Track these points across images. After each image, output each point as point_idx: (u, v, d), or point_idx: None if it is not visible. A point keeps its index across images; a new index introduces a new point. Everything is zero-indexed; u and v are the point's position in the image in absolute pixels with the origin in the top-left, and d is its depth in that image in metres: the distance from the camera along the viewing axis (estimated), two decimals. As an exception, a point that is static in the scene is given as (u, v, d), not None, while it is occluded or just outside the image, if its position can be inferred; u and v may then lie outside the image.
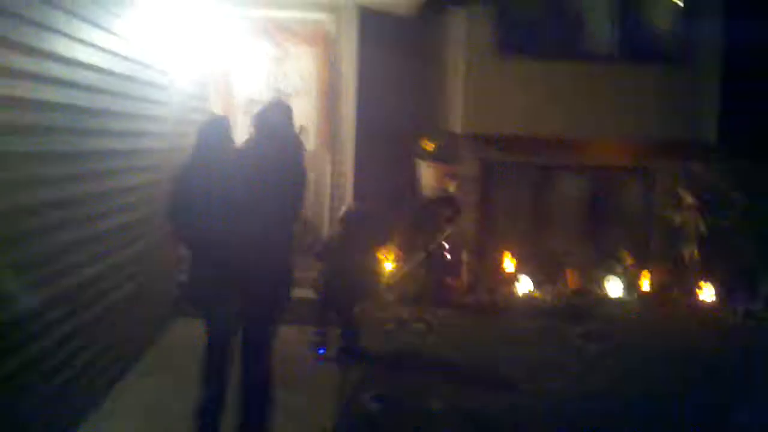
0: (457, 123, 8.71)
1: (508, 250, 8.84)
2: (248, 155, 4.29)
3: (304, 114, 8.11)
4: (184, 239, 4.41)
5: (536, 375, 5.89)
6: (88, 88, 4.51)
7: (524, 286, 8.60)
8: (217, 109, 7.82)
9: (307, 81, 8.10)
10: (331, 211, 8.09)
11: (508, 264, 8.78)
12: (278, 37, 8.06)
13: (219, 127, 4.41)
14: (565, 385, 5.72)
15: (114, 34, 4.85)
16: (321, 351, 6.04)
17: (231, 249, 4.01)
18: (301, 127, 8.07)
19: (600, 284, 8.69)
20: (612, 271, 8.78)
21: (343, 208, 6.70)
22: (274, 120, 4.36)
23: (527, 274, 8.62)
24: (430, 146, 8.10)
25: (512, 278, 8.60)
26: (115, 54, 4.92)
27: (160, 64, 6.06)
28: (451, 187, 8.21)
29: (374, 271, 6.44)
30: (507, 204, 9.26)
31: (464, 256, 8.39)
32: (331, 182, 8.14)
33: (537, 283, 8.60)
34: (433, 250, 7.89)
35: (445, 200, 8.06)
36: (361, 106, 8.15)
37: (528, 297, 8.46)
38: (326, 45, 8.04)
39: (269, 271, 4.17)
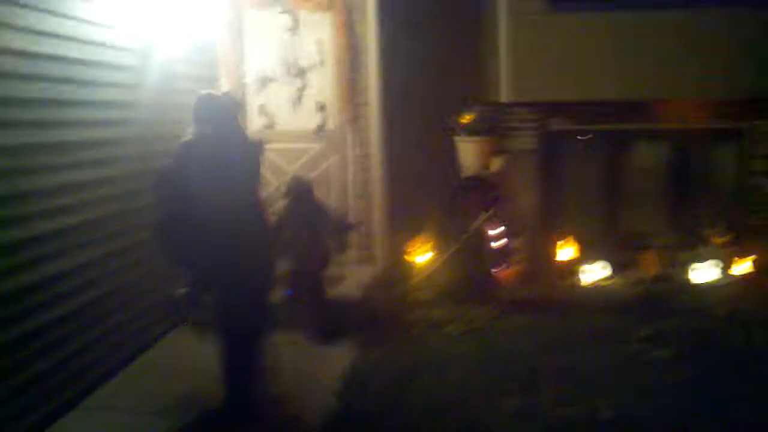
0: (503, 90, 7.49)
1: (573, 233, 7.60)
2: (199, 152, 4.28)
3: (323, 89, 7.16)
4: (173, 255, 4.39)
5: (580, 395, 4.68)
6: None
7: (592, 274, 7.33)
8: (226, 88, 6.99)
9: (324, 52, 7.12)
10: (360, 197, 7.12)
11: (573, 249, 7.52)
12: (290, 3, 7.11)
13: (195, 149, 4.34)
14: (612, 411, 4.49)
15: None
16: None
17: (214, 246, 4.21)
18: (320, 105, 7.14)
19: (685, 268, 7.31)
20: (699, 252, 7.38)
21: (284, 186, 6.11)
22: (214, 114, 4.35)
23: (597, 260, 7.36)
24: (467, 119, 6.93)
25: (578, 266, 7.36)
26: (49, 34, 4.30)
27: (121, 42, 5.26)
28: (496, 165, 7.04)
29: (327, 240, 5.94)
30: (571, 180, 7.98)
31: (517, 243, 7.23)
32: (355, 167, 7.14)
33: (608, 271, 7.33)
34: (468, 239, 6.72)
35: (481, 181, 6.90)
36: (386, 79, 7.10)
37: (597, 288, 7.20)
38: (344, 10, 6.97)
39: (247, 259, 4.32)
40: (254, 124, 7.22)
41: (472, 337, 5.85)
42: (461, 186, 6.94)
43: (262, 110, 7.17)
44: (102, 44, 4.98)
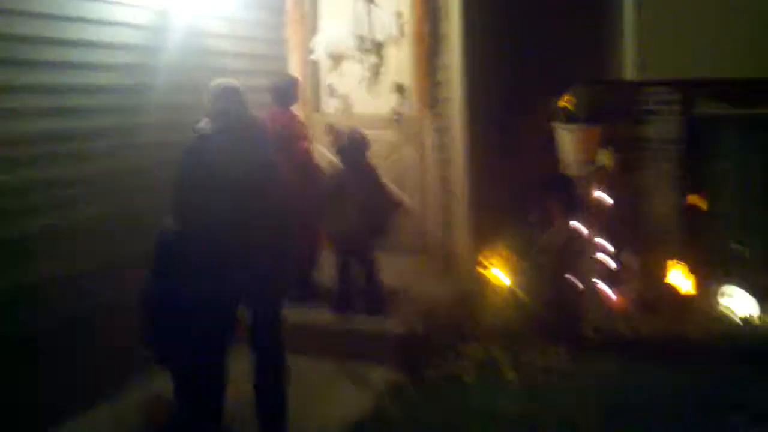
0: (626, 65, 6.00)
1: (708, 248, 6.02)
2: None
3: (401, 68, 6.12)
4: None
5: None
6: None
7: (738, 304, 5.71)
8: (292, 67, 6.20)
9: (402, 24, 6.05)
10: (438, 194, 6.01)
11: (705, 271, 5.92)
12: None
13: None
14: None
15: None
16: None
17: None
18: (397, 86, 6.11)
19: None
20: None
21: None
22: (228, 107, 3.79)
23: (737, 286, 5.74)
24: (568, 103, 5.54)
25: (709, 294, 5.80)
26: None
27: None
28: (606, 160, 5.64)
29: (388, 200, 5.28)
30: (717, 178, 6.36)
31: (628, 260, 5.81)
32: (435, 156, 6.02)
33: (752, 302, 5.70)
34: (552, 253, 5.35)
35: (561, 181, 5.50)
36: (473, 55, 5.86)
37: (742, 323, 5.60)
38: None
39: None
40: (324, 106, 6.37)
41: (531, 388, 4.64)
42: (548, 184, 5.57)
43: (333, 91, 6.25)
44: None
